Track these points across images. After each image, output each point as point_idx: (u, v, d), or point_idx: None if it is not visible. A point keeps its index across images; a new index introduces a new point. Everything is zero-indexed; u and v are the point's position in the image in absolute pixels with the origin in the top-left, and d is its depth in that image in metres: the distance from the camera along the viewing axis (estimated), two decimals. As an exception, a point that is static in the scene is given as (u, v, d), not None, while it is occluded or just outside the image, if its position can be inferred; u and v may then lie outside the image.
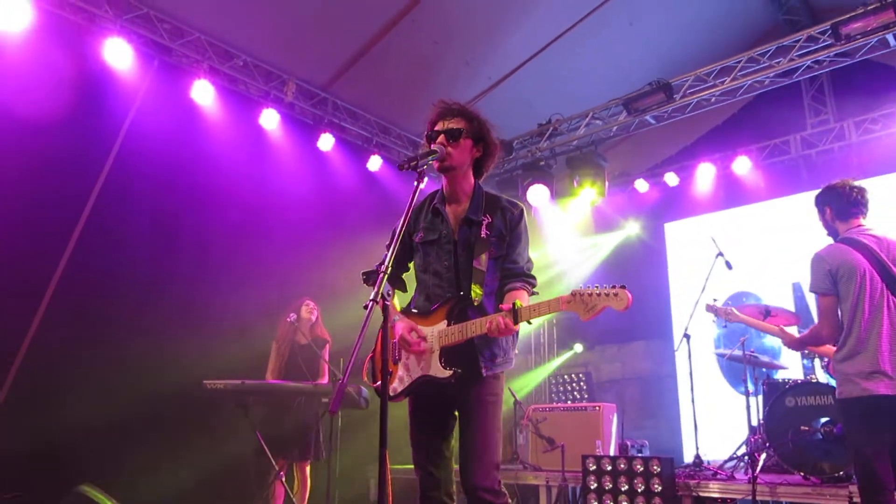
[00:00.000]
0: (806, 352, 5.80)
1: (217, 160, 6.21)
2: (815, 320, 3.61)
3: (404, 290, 3.00)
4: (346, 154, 7.50)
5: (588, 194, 7.79)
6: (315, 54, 6.86)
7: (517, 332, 2.79)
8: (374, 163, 7.52)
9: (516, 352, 2.90)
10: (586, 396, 8.47)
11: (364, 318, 2.11)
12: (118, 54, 5.45)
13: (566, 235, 9.28)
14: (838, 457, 4.65)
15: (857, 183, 3.72)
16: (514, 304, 2.49)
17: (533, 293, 2.78)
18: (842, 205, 3.65)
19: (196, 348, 5.43)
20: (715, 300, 5.12)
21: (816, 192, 8.08)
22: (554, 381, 8.88)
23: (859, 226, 3.64)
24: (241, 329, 5.83)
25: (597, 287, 2.33)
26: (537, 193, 7.72)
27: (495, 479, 2.59)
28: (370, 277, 2.40)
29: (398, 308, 2.90)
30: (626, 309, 2.23)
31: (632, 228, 9.31)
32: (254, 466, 4.82)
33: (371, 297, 2.09)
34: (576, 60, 7.53)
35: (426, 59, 7.17)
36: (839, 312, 3.47)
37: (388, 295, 2.16)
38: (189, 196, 6.04)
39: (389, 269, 2.21)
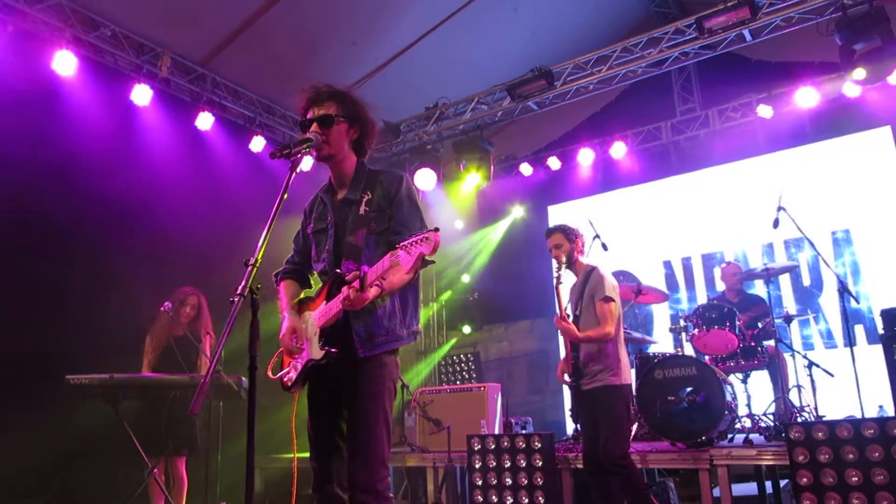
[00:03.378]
0: (673, 327, 6.22)
1: (81, 139, 5.72)
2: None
3: (309, 286, 2.91)
4: (227, 134, 7.17)
5: (474, 178, 7.90)
6: (193, 27, 6.49)
7: (411, 305, 2.69)
8: (257, 143, 7.23)
9: (417, 328, 2.74)
10: (475, 376, 8.67)
11: (231, 312, 2.04)
12: (-40, 19, 4.93)
13: (453, 220, 9.40)
14: (700, 423, 5.02)
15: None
16: (360, 271, 2.36)
17: (421, 258, 2.28)
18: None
19: (60, 342, 5.06)
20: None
21: (685, 175, 8.65)
22: (443, 363, 9.03)
23: None
24: (111, 322, 5.46)
25: (417, 236, 2.20)
26: (425, 177, 7.76)
27: (376, 478, 2.45)
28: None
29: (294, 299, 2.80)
30: (434, 251, 2.17)
31: (517, 212, 9.55)
32: (125, 466, 4.58)
33: (237, 292, 2.01)
34: (462, 45, 7.59)
35: (312, 37, 6.98)
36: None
37: (258, 289, 2.09)
38: (49, 179, 5.54)
39: (259, 262, 2.14)
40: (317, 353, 2.50)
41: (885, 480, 3.93)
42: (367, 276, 2.33)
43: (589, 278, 4.36)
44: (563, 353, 4.48)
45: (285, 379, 2.65)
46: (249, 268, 2.09)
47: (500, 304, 9.38)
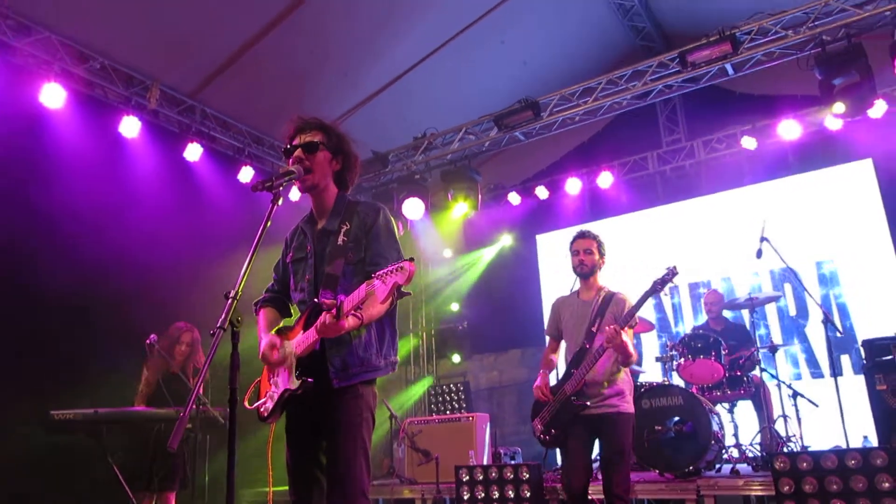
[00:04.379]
0: (661, 356, 6.23)
1: (69, 171, 5.72)
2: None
3: (289, 314, 2.91)
4: (216, 165, 7.20)
5: (462, 207, 7.95)
6: (182, 59, 6.56)
7: (388, 335, 2.68)
8: (246, 174, 7.27)
9: (395, 359, 2.73)
10: (464, 406, 8.63)
11: (212, 345, 2.04)
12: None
13: (441, 249, 9.44)
14: (687, 452, 5.01)
15: None
16: (336, 300, 2.36)
17: (396, 290, 2.27)
18: None
19: (43, 378, 5.01)
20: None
21: (672, 205, 8.69)
22: (433, 392, 8.99)
23: None
24: (96, 356, 5.42)
25: (391, 266, 2.23)
26: (413, 207, 7.80)
27: None
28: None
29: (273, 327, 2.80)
30: (408, 281, 2.18)
31: (505, 240, 9.60)
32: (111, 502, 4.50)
33: (218, 324, 2.02)
34: (450, 76, 7.71)
35: (301, 69, 7.07)
36: None
37: (239, 322, 2.10)
38: (38, 210, 5.54)
39: (239, 294, 2.15)
40: (293, 382, 2.50)
41: (870, 511, 3.94)
42: (343, 304, 2.34)
43: (612, 301, 4.05)
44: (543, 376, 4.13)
45: (262, 409, 2.64)
46: (229, 300, 2.10)
47: (490, 333, 9.38)
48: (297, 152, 2.69)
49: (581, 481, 3.84)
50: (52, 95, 5.61)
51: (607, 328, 3.78)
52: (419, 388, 9.52)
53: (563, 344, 4.31)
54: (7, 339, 5.13)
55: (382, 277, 2.19)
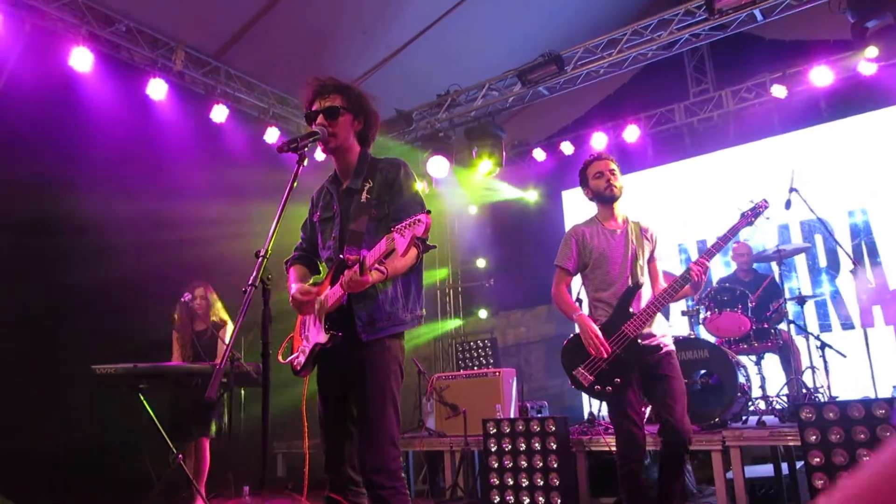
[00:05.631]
0: (686, 310, 6.21)
1: (99, 134, 5.85)
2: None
3: (318, 271, 2.99)
4: (242, 126, 7.27)
5: (487, 164, 7.93)
6: (205, 20, 6.59)
7: (414, 289, 2.75)
8: (272, 135, 7.34)
9: (422, 312, 2.79)
10: (492, 362, 8.74)
11: (244, 302, 2.12)
12: (-19, 20, 5.06)
13: (467, 206, 9.43)
14: (713, 405, 5.05)
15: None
16: (360, 256, 2.40)
17: (415, 241, 2.31)
18: None
19: (85, 333, 5.21)
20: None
21: (699, 157, 8.52)
22: (460, 349, 9.11)
23: None
24: (133, 312, 5.61)
25: (409, 219, 2.27)
26: (437, 164, 7.80)
27: (386, 457, 2.52)
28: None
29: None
30: (426, 233, 2.24)
31: (531, 195, 9.56)
32: (149, 452, 4.72)
33: (249, 282, 2.10)
34: (472, 31, 7.59)
35: (322, 28, 7.04)
36: None
37: (269, 279, 2.17)
38: (68, 173, 5.68)
39: (269, 252, 2.22)
40: (323, 336, 2.58)
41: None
42: (366, 259, 2.39)
43: (647, 233, 3.73)
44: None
45: (295, 363, 2.73)
46: (260, 259, 2.17)
47: (517, 289, 9.42)
48: (319, 119, 2.72)
49: (644, 433, 3.46)
50: (82, 59, 5.69)
51: (696, 263, 3.47)
52: (436, 333, 9.64)
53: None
54: (50, 300, 5.34)
55: (401, 231, 2.23)
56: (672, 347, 3.59)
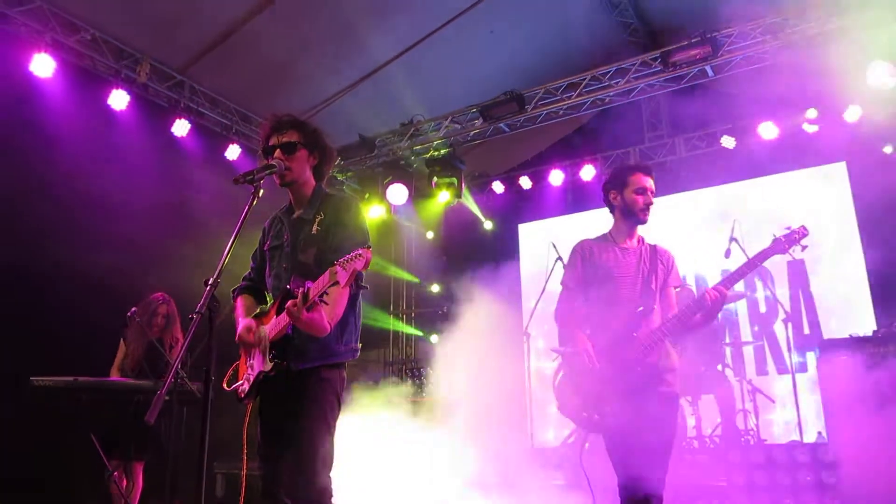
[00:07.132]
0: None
1: (57, 142, 5.77)
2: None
3: (264, 302, 3.03)
4: (204, 141, 7.24)
5: (445, 195, 8.06)
6: (173, 35, 6.59)
7: (350, 323, 2.79)
8: (233, 151, 7.34)
9: (356, 346, 2.84)
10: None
11: (190, 328, 2.17)
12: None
13: (424, 233, 9.53)
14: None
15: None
16: (305, 287, 2.47)
17: (355, 273, 2.36)
18: None
19: (26, 345, 5.11)
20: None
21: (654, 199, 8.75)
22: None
23: None
24: (77, 325, 5.51)
25: (352, 253, 2.35)
26: (397, 192, 7.90)
27: (320, 488, 2.59)
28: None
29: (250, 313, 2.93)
30: (366, 267, 2.32)
31: (487, 226, 9.70)
32: (83, 468, 4.63)
33: (196, 310, 2.15)
34: (439, 64, 7.76)
35: (291, 50, 7.11)
36: None
37: (216, 308, 2.23)
38: (23, 180, 5.60)
39: (218, 283, 2.28)
40: (267, 364, 2.64)
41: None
42: (309, 290, 2.46)
43: (662, 256, 3.43)
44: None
45: (239, 390, 2.78)
46: (208, 287, 2.23)
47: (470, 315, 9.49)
48: (277, 153, 2.82)
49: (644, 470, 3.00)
50: (43, 65, 5.63)
51: (714, 289, 3.15)
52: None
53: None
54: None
55: (343, 264, 2.32)
56: (674, 389, 3.20)
